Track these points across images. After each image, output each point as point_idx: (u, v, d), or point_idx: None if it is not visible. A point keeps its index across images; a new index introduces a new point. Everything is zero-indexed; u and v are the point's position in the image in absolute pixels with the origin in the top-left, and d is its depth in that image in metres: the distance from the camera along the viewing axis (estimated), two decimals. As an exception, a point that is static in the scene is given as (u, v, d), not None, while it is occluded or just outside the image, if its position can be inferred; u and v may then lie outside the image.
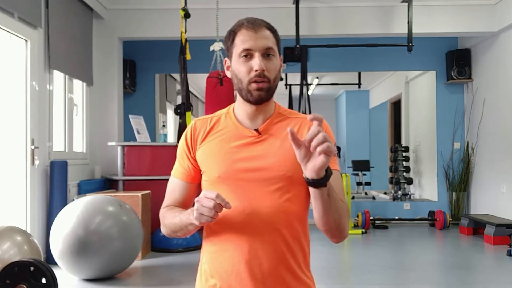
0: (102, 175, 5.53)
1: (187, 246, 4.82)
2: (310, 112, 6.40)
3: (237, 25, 1.35)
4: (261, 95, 1.31)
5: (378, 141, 9.56)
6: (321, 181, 1.13)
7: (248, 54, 1.30)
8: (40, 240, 4.07)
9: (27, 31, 4.00)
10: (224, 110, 1.43)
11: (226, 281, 1.30)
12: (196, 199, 1.18)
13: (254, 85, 1.30)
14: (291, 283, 1.30)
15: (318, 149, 1.06)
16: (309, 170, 1.12)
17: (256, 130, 1.35)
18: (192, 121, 1.44)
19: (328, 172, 1.14)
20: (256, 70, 1.28)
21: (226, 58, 1.39)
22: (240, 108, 1.38)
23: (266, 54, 1.31)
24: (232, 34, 1.34)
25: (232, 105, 1.43)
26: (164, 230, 1.39)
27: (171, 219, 1.34)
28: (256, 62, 1.29)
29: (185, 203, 1.42)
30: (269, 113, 1.38)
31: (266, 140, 1.34)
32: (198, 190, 1.43)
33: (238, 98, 1.38)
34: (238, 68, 1.32)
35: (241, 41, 1.31)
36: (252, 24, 1.33)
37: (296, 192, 1.31)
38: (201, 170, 1.38)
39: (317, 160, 1.09)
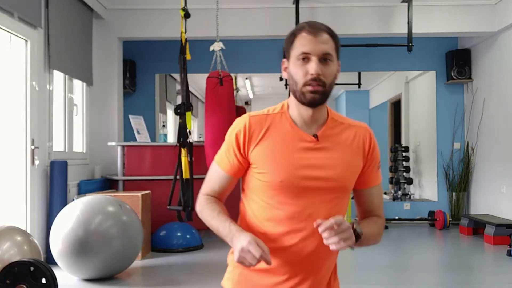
0: (102, 175, 5.53)
1: (187, 246, 4.82)
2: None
3: (298, 27, 1.38)
4: (315, 98, 1.33)
5: (378, 141, 9.41)
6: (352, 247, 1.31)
7: (305, 58, 1.33)
8: (40, 240, 4.07)
9: (27, 31, 4.00)
10: (278, 108, 1.43)
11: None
12: (241, 247, 1.22)
13: (308, 88, 1.32)
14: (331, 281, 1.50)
15: (328, 243, 1.23)
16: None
17: (315, 136, 1.38)
18: (246, 117, 1.42)
19: (357, 236, 1.31)
20: (312, 74, 1.31)
21: (284, 59, 1.41)
22: (295, 110, 1.40)
23: (324, 59, 1.33)
24: (292, 36, 1.37)
25: (285, 103, 1.44)
26: (200, 217, 1.43)
27: (208, 217, 1.39)
28: (313, 66, 1.31)
29: (223, 194, 1.46)
30: (323, 118, 1.41)
31: (325, 149, 1.38)
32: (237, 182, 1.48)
33: (292, 100, 1.40)
34: (295, 70, 1.34)
35: (301, 44, 1.34)
36: (312, 28, 1.35)
37: (345, 200, 1.41)
38: (252, 167, 1.40)
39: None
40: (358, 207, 1.52)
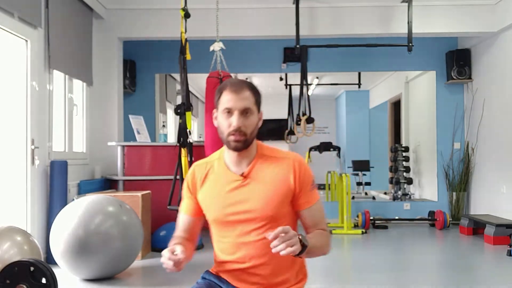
0: (102, 175, 5.53)
1: (187, 246, 4.81)
2: (310, 113, 6.42)
3: (223, 85, 1.64)
4: (237, 146, 1.60)
5: (378, 141, 9.56)
6: (297, 255, 1.48)
7: (229, 112, 1.59)
8: (40, 240, 4.07)
9: (27, 31, 4.00)
10: (216, 154, 1.73)
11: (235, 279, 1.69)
12: (164, 251, 1.49)
13: (232, 137, 1.59)
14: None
15: (276, 250, 1.40)
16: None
17: (242, 174, 1.64)
18: (192, 167, 1.75)
19: (303, 246, 1.47)
20: (234, 126, 1.58)
21: (214, 110, 1.67)
22: (227, 154, 1.68)
23: (245, 112, 1.59)
24: (219, 93, 1.63)
25: (222, 149, 1.71)
26: None
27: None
28: (235, 119, 1.58)
29: (191, 233, 1.75)
30: (251, 156, 1.66)
31: (250, 184, 1.63)
32: (203, 221, 1.76)
33: (225, 146, 1.66)
34: (221, 122, 1.62)
35: (225, 101, 1.60)
36: (235, 87, 1.60)
37: (279, 224, 1.53)
38: (202, 209, 1.71)
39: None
40: (303, 226, 1.72)
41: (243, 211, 1.62)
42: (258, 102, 1.64)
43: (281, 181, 1.63)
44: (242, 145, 1.60)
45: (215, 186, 1.66)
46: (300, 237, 1.47)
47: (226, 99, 1.59)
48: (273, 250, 1.40)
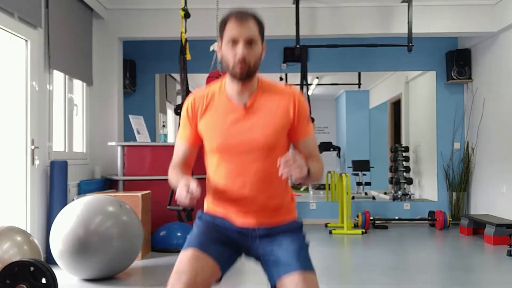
0: (102, 175, 5.53)
1: (187, 246, 4.81)
2: (310, 113, 6.41)
3: (228, 15, 1.66)
4: (242, 75, 1.64)
5: (378, 141, 9.56)
6: (300, 183, 1.61)
7: (234, 42, 1.62)
8: (40, 240, 4.07)
9: (27, 31, 4.00)
10: (217, 86, 1.75)
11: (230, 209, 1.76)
12: (178, 189, 1.56)
13: (237, 67, 1.63)
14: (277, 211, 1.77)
15: (284, 174, 1.52)
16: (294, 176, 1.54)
17: (244, 105, 1.70)
18: (191, 95, 1.77)
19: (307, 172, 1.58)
20: (239, 58, 1.61)
21: (218, 41, 1.71)
22: (229, 85, 1.71)
23: (249, 42, 1.62)
24: (223, 23, 1.66)
25: (223, 81, 1.74)
26: (169, 183, 1.79)
27: (172, 179, 1.76)
28: (240, 49, 1.61)
29: (187, 162, 1.82)
30: (253, 88, 1.71)
31: (252, 115, 1.70)
32: (199, 150, 1.82)
33: (227, 77, 1.70)
34: (226, 52, 1.65)
35: (230, 30, 1.63)
36: (240, 16, 1.63)
37: (277, 153, 1.66)
38: (202, 138, 1.75)
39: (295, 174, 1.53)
40: None
41: (245, 140, 1.68)
42: (262, 33, 1.69)
43: (282, 112, 1.71)
44: (246, 75, 1.64)
45: (217, 116, 1.70)
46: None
47: (231, 29, 1.62)
48: (284, 176, 1.51)
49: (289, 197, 1.82)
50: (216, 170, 1.75)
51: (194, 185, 1.54)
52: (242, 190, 1.70)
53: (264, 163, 1.69)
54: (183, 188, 1.54)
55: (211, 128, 1.71)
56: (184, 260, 1.68)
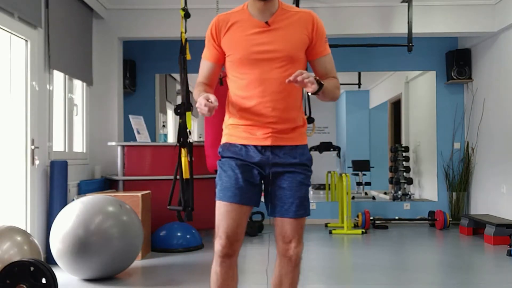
0: (102, 175, 5.53)
1: (187, 246, 4.82)
2: (310, 113, 6.42)
3: None
4: None
5: (378, 141, 9.55)
6: (315, 93, 1.84)
7: None
8: (40, 240, 4.07)
9: (27, 31, 4.00)
10: (239, 8, 1.99)
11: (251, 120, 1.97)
12: (199, 99, 1.81)
13: None
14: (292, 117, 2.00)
15: (299, 84, 1.76)
16: (307, 89, 1.80)
17: (266, 22, 1.93)
18: (215, 18, 2.00)
19: (320, 85, 1.81)
20: None
21: None
22: (252, 5, 1.95)
23: None
24: None
25: (246, 3, 1.99)
26: (194, 97, 2.00)
27: (195, 93, 1.98)
28: None
29: (211, 79, 2.07)
30: (274, 8, 1.95)
31: (273, 30, 1.92)
32: (220, 68, 2.07)
33: None
34: None
35: None
36: None
37: (296, 67, 1.90)
38: (225, 54, 1.98)
39: (307, 88, 1.79)
40: (316, 75, 1.99)
41: (267, 51, 1.90)
42: None
43: (301, 29, 1.94)
44: None
45: (241, 31, 1.93)
46: (316, 78, 1.82)
47: None
48: (293, 79, 1.74)
49: (302, 119, 2.03)
50: (238, 82, 1.97)
51: (213, 97, 1.78)
52: (262, 99, 1.91)
53: (283, 73, 1.89)
54: (203, 99, 1.77)
55: (235, 41, 1.93)
56: (223, 213, 1.92)
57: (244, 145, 1.97)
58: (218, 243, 1.92)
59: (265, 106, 1.92)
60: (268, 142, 1.94)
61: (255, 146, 1.96)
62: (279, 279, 2.03)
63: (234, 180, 1.93)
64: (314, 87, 1.77)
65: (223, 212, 1.91)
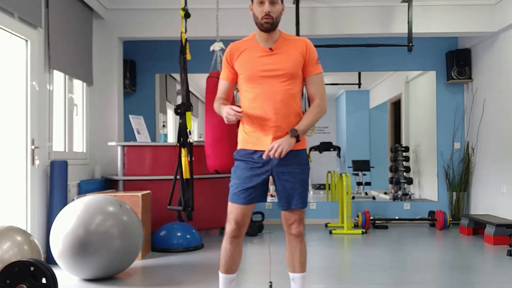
0: (102, 175, 5.53)
1: (187, 246, 4.82)
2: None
3: None
4: (267, 27, 2.42)
5: (378, 141, 9.55)
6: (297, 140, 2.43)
7: (262, 2, 2.40)
8: (40, 240, 4.07)
9: (27, 31, 4.00)
10: (249, 37, 2.53)
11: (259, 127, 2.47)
12: (225, 112, 2.36)
13: (263, 21, 2.41)
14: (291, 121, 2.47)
15: (275, 156, 2.35)
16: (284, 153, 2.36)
17: (270, 48, 2.46)
18: (230, 45, 2.55)
19: (296, 136, 2.39)
20: (265, 12, 2.38)
21: (250, 3, 2.48)
22: (258, 35, 2.50)
23: (272, 2, 2.40)
24: None
25: (254, 33, 2.52)
26: (216, 111, 2.57)
27: (216, 108, 2.54)
28: (266, 7, 2.39)
29: (228, 94, 2.60)
30: (276, 37, 2.48)
31: (276, 54, 2.45)
32: (234, 87, 2.61)
33: (257, 30, 2.49)
34: (255, 10, 2.43)
35: None
36: None
37: (295, 81, 2.46)
38: (238, 74, 2.50)
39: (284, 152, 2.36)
40: (308, 94, 2.53)
41: (272, 69, 2.42)
42: None
43: (297, 52, 2.45)
44: (270, 26, 2.41)
45: (250, 55, 2.46)
46: (291, 132, 2.37)
47: None
48: (272, 155, 2.33)
49: (299, 118, 2.49)
50: (248, 96, 2.46)
51: (237, 107, 2.33)
52: (268, 107, 2.40)
53: (284, 87, 2.41)
54: (229, 110, 2.31)
55: (245, 63, 2.46)
56: (234, 211, 2.46)
57: (254, 150, 2.46)
58: (229, 227, 2.48)
59: (269, 113, 2.40)
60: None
61: (263, 151, 2.40)
62: (291, 253, 2.56)
63: (244, 180, 2.45)
64: (291, 145, 2.37)
65: (234, 204, 2.47)
